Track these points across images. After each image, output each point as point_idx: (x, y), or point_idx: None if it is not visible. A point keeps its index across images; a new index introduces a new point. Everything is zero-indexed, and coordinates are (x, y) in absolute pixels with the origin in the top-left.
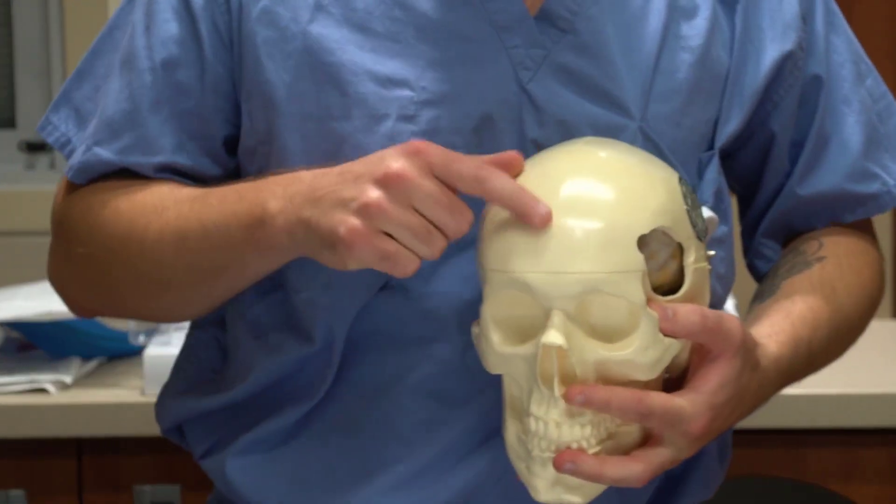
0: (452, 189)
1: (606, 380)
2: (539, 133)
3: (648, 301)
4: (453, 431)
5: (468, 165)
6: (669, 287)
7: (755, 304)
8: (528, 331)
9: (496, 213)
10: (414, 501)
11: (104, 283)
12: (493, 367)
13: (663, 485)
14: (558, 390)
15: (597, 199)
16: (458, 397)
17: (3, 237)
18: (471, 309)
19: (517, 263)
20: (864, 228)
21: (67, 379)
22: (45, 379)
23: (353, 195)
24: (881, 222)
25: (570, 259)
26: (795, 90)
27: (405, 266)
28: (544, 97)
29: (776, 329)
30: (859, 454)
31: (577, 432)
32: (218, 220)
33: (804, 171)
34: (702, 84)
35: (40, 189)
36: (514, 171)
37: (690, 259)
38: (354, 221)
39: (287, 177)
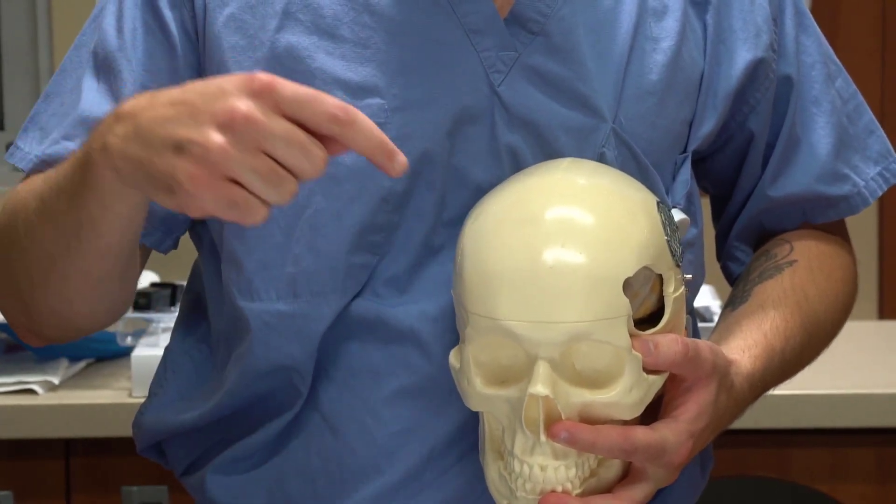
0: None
1: (589, 420)
2: (511, 136)
3: (632, 339)
4: (432, 442)
5: (327, 106)
6: (648, 316)
7: (727, 311)
8: (511, 372)
9: (473, 250)
10: None
11: (8, 285)
12: (475, 406)
13: None
14: (544, 436)
15: (581, 241)
16: (435, 406)
17: None
18: (445, 316)
19: (502, 311)
20: (836, 230)
21: (55, 380)
22: (33, 380)
23: (190, 137)
24: (867, 223)
25: (556, 308)
26: (771, 92)
27: (254, 214)
28: (516, 100)
29: (749, 342)
30: (845, 454)
31: (563, 474)
32: (64, 170)
33: (775, 173)
34: (675, 85)
35: None
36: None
37: (670, 289)
38: (194, 168)
39: (120, 108)
